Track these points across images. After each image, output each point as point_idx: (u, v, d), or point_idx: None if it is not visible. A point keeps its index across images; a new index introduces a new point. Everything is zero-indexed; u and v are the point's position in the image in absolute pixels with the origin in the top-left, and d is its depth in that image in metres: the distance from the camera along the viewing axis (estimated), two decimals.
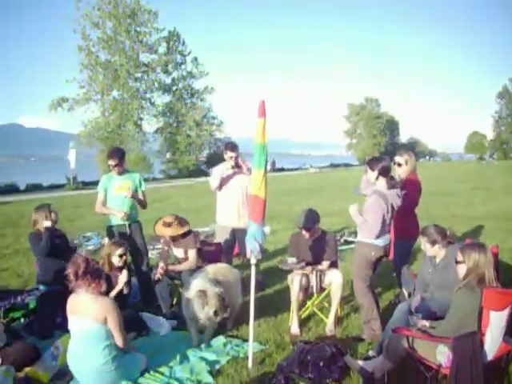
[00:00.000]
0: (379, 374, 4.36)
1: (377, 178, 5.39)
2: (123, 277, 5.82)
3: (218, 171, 7.38)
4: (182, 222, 6.54)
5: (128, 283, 5.95)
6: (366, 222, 5.33)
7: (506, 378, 4.28)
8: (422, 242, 5.16)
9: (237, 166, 7.18)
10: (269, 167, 56.44)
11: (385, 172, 5.37)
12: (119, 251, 5.96)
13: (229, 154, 7.17)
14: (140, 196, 6.94)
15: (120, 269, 5.95)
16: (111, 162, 6.74)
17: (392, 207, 5.38)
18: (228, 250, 7.46)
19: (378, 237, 5.31)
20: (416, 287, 5.35)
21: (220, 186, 7.39)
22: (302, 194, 23.93)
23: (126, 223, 6.77)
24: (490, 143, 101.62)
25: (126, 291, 5.92)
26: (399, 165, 6.29)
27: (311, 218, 6.07)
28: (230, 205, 7.27)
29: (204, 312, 5.24)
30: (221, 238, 7.46)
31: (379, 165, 5.37)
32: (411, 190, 6.14)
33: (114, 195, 6.80)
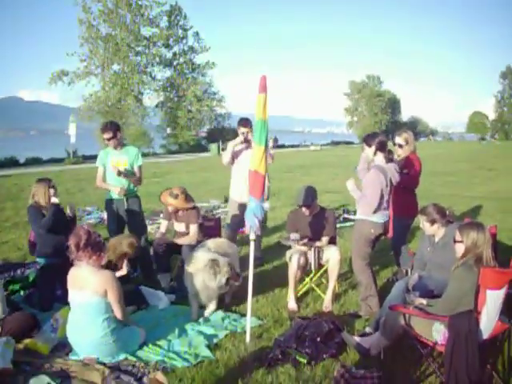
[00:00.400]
0: (375, 350, 4.41)
1: (375, 154, 5.41)
2: (125, 266, 5.90)
3: (230, 146, 7.36)
4: (188, 197, 6.56)
5: (129, 260, 5.99)
6: (365, 196, 5.34)
7: (500, 356, 4.32)
8: (421, 221, 5.17)
9: (246, 141, 7.13)
10: (271, 144, 56.42)
11: (382, 147, 5.38)
12: (130, 242, 5.97)
13: (241, 130, 7.10)
14: (136, 171, 6.88)
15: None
16: (106, 136, 6.70)
17: (391, 182, 5.39)
18: (234, 225, 7.45)
19: (375, 212, 5.32)
20: (414, 265, 5.38)
21: (232, 161, 7.41)
22: (302, 171, 23.92)
23: (124, 198, 6.77)
24: (492, 123, 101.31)
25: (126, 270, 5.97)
26: (400, 146, 6.29)
27: (310, 195, 6.07)
28: (241, 180, 7.22)
29: (217, 280, 5.28)
30: (233, 212, 7.44)
31: (376, 140, 5.39)
32: (411, 168, 6.15)
33: (111, 170, 6.80)
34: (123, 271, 5.84)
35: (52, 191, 6.00)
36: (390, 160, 5.50)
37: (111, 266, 5.54)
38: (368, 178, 5.37)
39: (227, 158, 7.38)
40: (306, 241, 5.95)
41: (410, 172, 6.11)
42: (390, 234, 5.86)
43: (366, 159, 5.68)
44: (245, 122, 7.14)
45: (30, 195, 6.12)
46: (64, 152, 34.54)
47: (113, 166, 6.69)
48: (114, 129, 6.71)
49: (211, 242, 5.97)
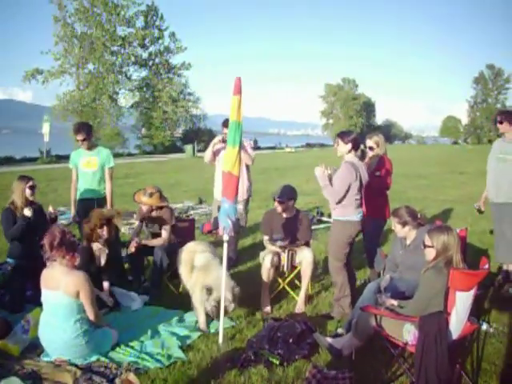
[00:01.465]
0: (347, 351, 4.45)
1: (349, 151, 5.45)
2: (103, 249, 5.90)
3: (211, 144, 7.52)
4: (162, 196, 6.56)
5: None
6: (331, 186, 5.37)
7: (469, 356, 4.39)
8: (393, 223, 5.22)
9: (224, 141, 7.16)
10: (251, 145, 56.66)
11: (355, 144, 5.47)
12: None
13: (224, 131, 7.16)
14: (106, 173, 6.86)
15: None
16: (79, 137, 6.68)
17: (361, 179, 5.43)
18: (217, 225, 7.47)
19: (341, 203, 5.38)
20: (386, 267, 5.43)
21: (213, 159, 7.55)
22: (277, 173, 23.97)
23: (95, 197, 6.79)
24: (465, 128, 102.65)
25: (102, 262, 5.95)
26: (371, 148, 6.36)
27: (286, 193, 6.13)
28: (220, 179, 7.27)
29: (208, 303, 5.15)
30: (216, 212, 7.45)
31: (351, 137, 5.46)
32: (383, 170, 6.23)
33: (83, 171, 6.78)
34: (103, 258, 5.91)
35: (28, 192, 5.94)
36: (360, 158, 5.64)
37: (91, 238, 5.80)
38: (339, 171, 5.39)
39: (208, 157, 7.55)
40: (287, 243, 5.98)
41: (380, 174, 6.19)
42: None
43: (339, 156, 5.69)
44: (226, 122, 7.20)
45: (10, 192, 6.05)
46: (37, 151, 34.14)
47: (95, 164, 6.76)
48: (86, 130, 6.71)
49: (196, 246, 6.02)
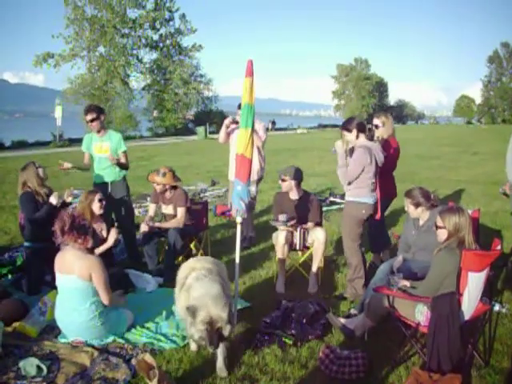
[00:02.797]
0: (360, 331, 4.49)
1: (357, 137, 5.44)
2: (113, 233, 5.82)
3: (223, 126, 7.56)
4: (175, 175, 6.62)
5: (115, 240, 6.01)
6: (347, 167, 5.41)
7: (481, 337, 4.41)
8: (406, 204, 5.22)
9: (235, 122, 7.23)
10: (270, 126, 55.90)
11: (362, 128, 5.46)
12: (98, 196, 5.98)
13: (238, 112, 7.18)
14: (121, 158, 6.81)
15: (101, 217, 6.02)
16: (88, 117, 6.61)
17: (376, 162, 5.44)
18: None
19: (356, 185, 5.43)
20: (399, 248, 5.45)
21: (226, 139, 7.62)
22: (289, 155, 23.92)
23: (108, 182, 6.81)
24: (479, 107, 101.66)
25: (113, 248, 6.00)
26: (376, 126, 6.32)
27: (289, 171, 6.17)
28: (233, 160, 7.32)
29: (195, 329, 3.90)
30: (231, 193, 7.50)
31: (353, 123, 5.46)
32: (389, 151, 6.22)
33: (95, 156, 6.80)
34: (109, 243, 5.80)
35: (41, 170, 5.97)
36: (371, 138, 5.60)
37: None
38: (354, 155, 5.38)
39: (221, 138, 7.66)
40: (294, 222, 6.00)
41: (387, 155, 6.19)
42: (378, 216, 5.90)
43: (347, 145, 5.69)
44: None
45: (18, 185, 6.00)
46: (50, 135, 34.26)
47: (107, 150, 6.71)
48: (97, 110, 6.68)
49: (202, 263, 4.60)
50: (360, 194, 5.45)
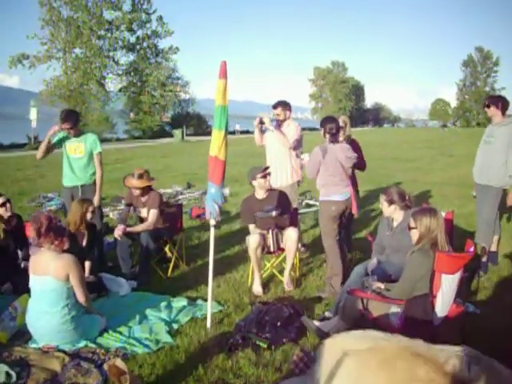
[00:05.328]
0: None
1: (324, 135, 5.82)
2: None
3: (256, 128, 7.36)
4: (149, 176, 6.59)
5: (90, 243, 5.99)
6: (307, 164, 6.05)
7: (455, 338, 4.42)
8: (381, 201, 5.23)
9: (261, 122, 7.12)
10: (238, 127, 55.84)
11: (328, 130, 5.78)
12: (91, 208, 5.93)
13: (273, 111, 7.20)
14: (95, 160, 6.74)
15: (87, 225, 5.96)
16: (66, 126, 6.53)
17: (336, 160, 5.70)
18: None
19: (321, 185, 5.82)
20: (373, 250, 5.45)
21: (262, 141, 7.45)
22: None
23: (79, 185, 6.73)
24: (454, 111, 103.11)
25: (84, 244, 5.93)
26: (342, 128, 6.51)
27: (262, 168, 6.19)
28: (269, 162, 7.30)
29: None
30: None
31: (325, 125, 5.82)
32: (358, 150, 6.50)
33: (69, 156, 6.71)
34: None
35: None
36: (335, 141, 5.83)
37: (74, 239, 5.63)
38: (312, 152, 5.88)
39: (257, 140, 7.52)
40: (279, 211, 5.98)
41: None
42: (354, 210, 5.96)
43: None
44: (276, 104, 7.22)
45: None
46: (25, 137, 33.91)
47: (81, 151, 6.64)
48: (73, 119, 6.58)
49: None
50: (328, 193, 5.77)
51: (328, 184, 5.75)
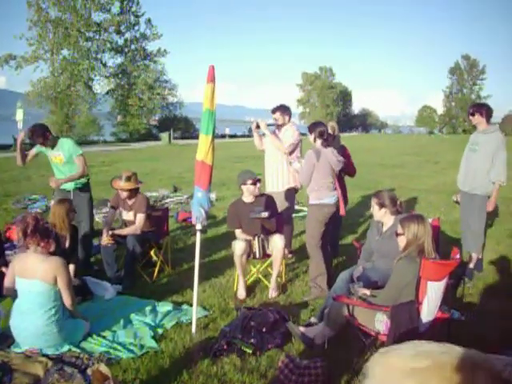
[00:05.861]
0: (320, 340, 4.46)
1: (314, 140, 5.87)
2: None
3: (254, 133, 7.41)
4: (137, 179, 6.57)
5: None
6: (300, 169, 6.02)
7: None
8: (372, 204, 5.21)
9: (257, 127, 7.13)
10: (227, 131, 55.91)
11: (320, 135, 5.85)
12: (71, 207, 5.90)
13: (273, 116, 7.25)
14: (76, 162, 6.67)
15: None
16: (37, 142, 6.55)
17: (328, 164, 5.77)
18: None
19: (314, 188, 5.83)
20: (360, 256, 5.45)
21: (262, 146, 7.50)
22: (254, 162, 23.90)
23: (71, 189, 6.69)
24: (440, 118, 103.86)
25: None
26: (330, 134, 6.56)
27: (252, 173, 6.14)
28: (268, 167, 7.51)
29: None
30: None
31: (312, 128, 5.93)
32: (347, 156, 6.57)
33: (52, 161, 6.72)
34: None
35: None
36: (326, 145, 5.88)
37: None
38: (305, 157, 5.90)
39: (257, 144, 7.59)
40: (268, 213, 5.95)
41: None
42: (342, 212, 5.98)
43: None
44: (276, 109, 7.26)
45: None
46: (11, 139, 33.62)
47: (60, 160, 6.59)
48: (40, 134, 6.51)
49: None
50: (321, 196, 5.79)
51: (321, 187, 5.78)
